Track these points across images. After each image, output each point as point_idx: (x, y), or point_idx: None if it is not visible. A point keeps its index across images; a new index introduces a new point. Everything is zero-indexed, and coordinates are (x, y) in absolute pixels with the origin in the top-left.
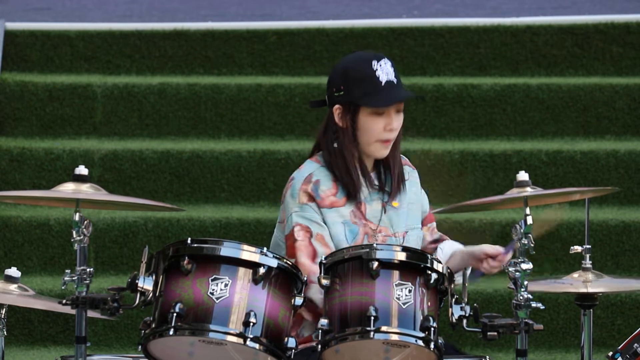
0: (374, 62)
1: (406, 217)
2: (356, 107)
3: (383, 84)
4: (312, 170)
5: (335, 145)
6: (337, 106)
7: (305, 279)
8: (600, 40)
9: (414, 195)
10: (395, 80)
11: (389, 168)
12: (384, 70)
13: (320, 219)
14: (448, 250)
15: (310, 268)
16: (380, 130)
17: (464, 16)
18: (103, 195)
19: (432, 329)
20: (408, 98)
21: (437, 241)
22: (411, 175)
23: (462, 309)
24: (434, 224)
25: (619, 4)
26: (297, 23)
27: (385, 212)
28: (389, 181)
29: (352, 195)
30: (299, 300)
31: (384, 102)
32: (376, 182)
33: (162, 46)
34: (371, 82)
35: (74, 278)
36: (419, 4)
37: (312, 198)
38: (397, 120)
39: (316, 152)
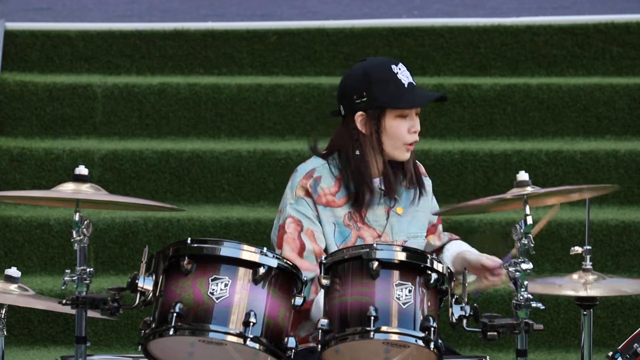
0: (393, 66)
1: (408, 225)
2: (381, 112)
3: (406, 86)
4: (316, 166)
5: (358, 152)
6: (359, 113)
7: (305, 278)
8: (600, 40)
9: (424, 202)
10: (414, 82)
11: (406, 173)
12: (404, 74)
13: (313, 215)
14: (454, 251)
15: (293, 261)
16: (405, 133)
17: (464, 16)
18: (103, 195)
19: (432, 329)
20: (435, 98)
21: (446, 244)
22: (425, 183)
23: (462, 309)
24: (441, 226)
25: (619, 4)
26: (297, 23)
27: (388, 219)
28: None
29: (360, 200)
30: (299, 300)
31: (411, 103)
32: (382, 187)
33: (162, 46)
34: (395, 85)
35: (74, 278)
36: (419, 4)
37: (308, 193)
38: (418, 123)
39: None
